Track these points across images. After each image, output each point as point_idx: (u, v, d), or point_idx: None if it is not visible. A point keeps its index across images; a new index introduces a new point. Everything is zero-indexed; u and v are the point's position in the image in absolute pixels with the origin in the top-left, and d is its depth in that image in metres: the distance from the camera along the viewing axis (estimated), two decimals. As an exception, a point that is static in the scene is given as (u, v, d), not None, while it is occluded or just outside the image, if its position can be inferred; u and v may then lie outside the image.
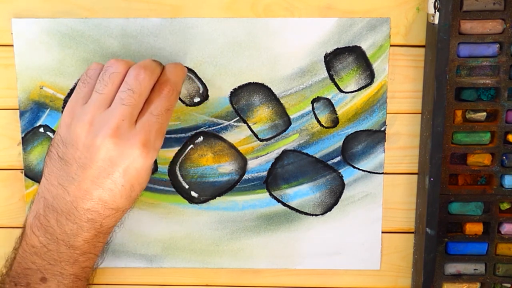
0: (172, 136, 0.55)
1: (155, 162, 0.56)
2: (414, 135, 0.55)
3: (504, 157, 0.53)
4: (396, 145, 0.55)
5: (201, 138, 0.55)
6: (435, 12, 0.49)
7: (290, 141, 0.55)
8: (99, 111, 0.47)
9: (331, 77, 0.54)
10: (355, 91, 0.54)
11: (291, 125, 0.55)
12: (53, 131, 0.55)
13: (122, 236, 0.56)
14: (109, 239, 0.52)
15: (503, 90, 0.52)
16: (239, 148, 0.55)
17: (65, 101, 0.55)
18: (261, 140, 0.55)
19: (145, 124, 0.47)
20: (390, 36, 0.53)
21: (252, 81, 0.54)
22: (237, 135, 0.55)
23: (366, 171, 0.56)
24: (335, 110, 0.55)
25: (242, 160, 0.56)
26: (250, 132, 0.55)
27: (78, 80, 0.54)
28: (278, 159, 0.56)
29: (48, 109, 0.55)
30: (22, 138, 0.55)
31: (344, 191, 0.56)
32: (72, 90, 0.54)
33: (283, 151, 0.56)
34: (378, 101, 0.54)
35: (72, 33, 0.53)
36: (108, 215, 0.48)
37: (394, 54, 0.53)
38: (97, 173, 0.46)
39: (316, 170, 0.56)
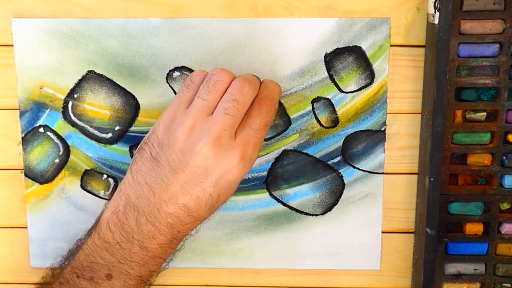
0: (172, 136, 0.55)
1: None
2: (414, 135, 0.55)
3: (504, 157, 0.53)
4: (396, 145, 0.55)
5: (201, 138, 0.55)
6: (435, 12, 0.49)
7: (290, 141, 0.55)
8: (201, 117, 0.47)
9: (331, 77, 0.54)
10: (355, 91, 0.54)
11: (291, 125, 0.55)
12: (53, 131, 0.55)
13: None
14: (179, 246, 0.52)
15: (503, 90, 0.52)
16: (239, 148, 0.55)
17: (65, 101, 0.55)
18: (261, 140, 0.55)
19: (245, 137, 0.47)
20: (390, 36, 0.53)
21: (252, 81, 0.54)
22: (237, 135, 0.55)
23: (366, 171, 0.56)
24: (335, 110, 0.55)
25: (242, 160, 0.56)
26: (250, 132, 0.55)
27: (78, 80, 0.54)
28: (278, 159, 0.56)
29: (48, 109, 0.55)
30: (22, 138, 0.55)
31: (344, 191, 0.56)
32: (72, 90, 0.54)
33: (283, 151, 0.56)
34: (378, 101, 0.54)
35: (72, 33, 0.53)
36: (188, 222, 0.48)
37: (394, 54, 0.53)
38: (189, 178, 0.46)
39: (316, 170, 0.56)
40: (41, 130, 0.55)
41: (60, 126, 0.55)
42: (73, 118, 0.55)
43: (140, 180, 0.48)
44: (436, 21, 0.49)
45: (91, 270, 0.48)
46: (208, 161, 0.46)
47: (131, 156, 0.56)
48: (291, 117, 0.55)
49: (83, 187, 0.56)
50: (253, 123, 0.47)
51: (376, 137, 0.55)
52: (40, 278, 0.53)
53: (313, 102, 0.55)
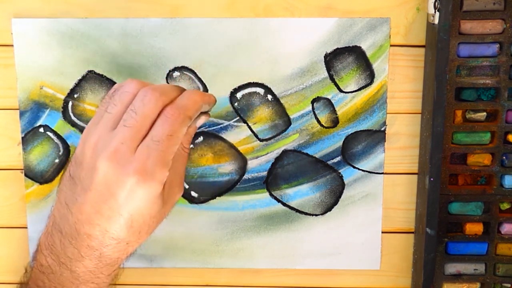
0: (172, 136, 0.55)
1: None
2: (414, 135, 0.55)
3: (504, 157, 0.53)
4: (396, 145, 0.55)
5: (201, 138, 0.55)
6: (435, 12, 0.49)
7: (290, 141, 0.55)
8: (105, 132, 0.44)
9: (331, 77, 0.54)
10: (355, 91, 0.54)
11: (291, 125, 0.55)
12: (53, 131, 0.55)
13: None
14: (114, 272, 0.47)
15: (503, 90, 0.52)
16: (239, 148, 0.55)
17: (65, 101, 0.55)
18: (261, 140, 0.55)
19: (143, 150, 0.43)
20: (390, 36, 0.53)
21: (252, 81, 0.54)
22: (237, 135, 0.55)
23: (366, 171, 0.56)
24: (335, 110, 0.55)
25: (242, 160, 0.56)
26: (250, 132, 0.55)
27: (78, 80, 0.54)
28: (278, 159, 0.56)
29: (48, 109, 0.55)
30: (22, 138, 0.55)
31: (344, 191, 0.56)
32: (72, 90, 0.54)
33: (283, 151, 0.56)
34: (378, 101, 0.54)
35: (72, 33, 0.53)
36: (109, 244, 0.44)
37: (394, 54, 0.53)
38: (96, 196, 0.43)
39: (316, 170, 0.56)
40: (41, 130, 0.55)
41: (60, 126, 0.55)
42: (73, 118, 0.55)
43: (62, 200, 0.45)
44: (436, 21, 0.49)
45: None
46: (108, 178, 0.42)
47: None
48: (291, 117, 0.55)
49: (83, 187, 0.56)
50: (154, 134, 0.43)
51: (376, 137, 0.55)
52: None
53: (313, 102, 0.55)
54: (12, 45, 0.54)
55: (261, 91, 0.54)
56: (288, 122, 0.55)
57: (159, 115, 0.44)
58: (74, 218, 0.44)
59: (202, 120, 0.47)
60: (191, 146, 0.55)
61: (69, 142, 0.55)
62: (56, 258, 0.46)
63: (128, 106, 0.44)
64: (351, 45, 0.53)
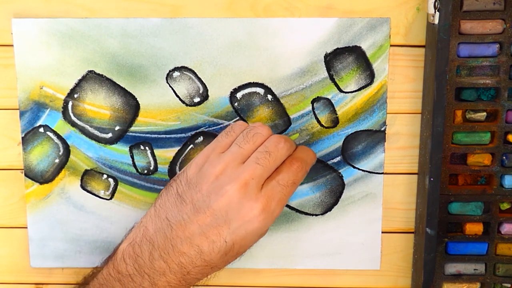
0: (172, 136, 0.55)
1: (155, 162, 0.56)
2: (414, 135, 0.55)
3: (504, 157, 0.53)
4: (396, 145, 0.55)
5: (201, 138, 0.55)
6: (435, 12, 0.49)
7: (290, 141, 0.55)
8: (233, 163, 0.47)
9: (331, 77, 0.54)
10: (355, 91, 0.54)
11: (291, 125, 0.55)
12: (53, 131, 0.55)
13: (122, 237, 0.56)
14: None
15: (503, 90, 0.52)
16: (239, 148, 0.55)
17: (65, 101, 0.55)
18: (261, 140, 0.55)
19: (270, 190, 0.47)
20: (390, 36, 0.53)
21: (252, 81, 0.54)
22: (237, 135, 0.55)
23: (366, 171, 0.56)
24: (335, 110, 0.55)
25: (242, 160, 0.56)
26: (250, 132, 0.55)
27: (78, 80, 0.54)
28: (278, 159, 0.56)
29: (48, 109, 0.55)
30: (22, 138, 0.55)
31: (344, 191, 0.56)
32: (72, 90, 0.54)
33: (283, 151, 0.55)
34: (378, 101, 0.54)
35: (72, 33, 0.53)
36: (199, 265, 0.47)
37: (394, 54, 0.53)
38: (208, 220, 0.46)
39: (316, 170, 0.56)
40: (41, 130, 0.55)
41: (60, 126, 0.55)
42: (73, 118, 0.55)
43: (161, 215, 0.48)
44: (436, 21, 0.49)
45: None
46: (230, 206, 0.46)
47: (131, 156, 0.56)
48: (291, 117, 0.55)
49: (83, 187, 0.56)
50: (281, 178, 0.48)
51: (376, 137, 0.55)
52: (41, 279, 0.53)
53: (313, 102, 0.55)
54: (12, 45, 0.54)
55: (261, 91, 0.54)
56: (288, 122, 0.55)
57: (283, 162, 0.49)
58: (173, 233, 0.47)
59: None
60: (191, 146, 0.55)
61: (69, 142, 0.55)
62: (139, 268, 0.47)
63: (258, 146, 0.49)
64: (351, 45, 0.53)
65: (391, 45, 0.53)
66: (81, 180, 0.56)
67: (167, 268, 0.47)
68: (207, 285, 0.58)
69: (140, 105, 0.55)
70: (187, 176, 0.49)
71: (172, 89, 0.54)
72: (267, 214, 0.47)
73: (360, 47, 0.53)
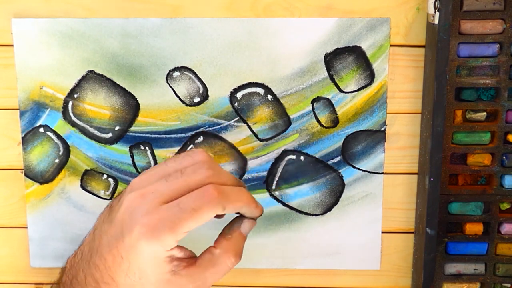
0: (172, 136, 0.55)
1: (155, 162, 0.56)
2: (414, 135, 0.55)
3: (504, 157, 0.53)
4: (396, 145, 0.55)
5: (201, 138, 0.55)
6: (435, 12, 0.49)
7: (290, 141, 0.55)
8: (150, 178, 0.44)
9: (331, 77, 0.54)
10: (355, 91, 0.54)
11: (291, 125, 0.55)
12: (53, 131, 0.55)
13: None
14: None
15: (503, 90, 0.52)
16: (239, 148, 0.55)
17: (65, 101, 0.55)
18: (261, 140, 0.55)
19: (164, 210, 0.42)
20: (390, 36, 0.53)
21: (252, 81, 0.54)
22: (237, 135, 0.55)
23: (366, 171, 0.56)
24: (335, 110, 0.55)
25: (242, 160, 0.56)
26: (250, 132, 0.55)
27: (78, 80, 0.54)
28: (278, 159, 0.56)
29: (48, 109, 0.55)
30: (22, 138, 0.55)
31: (344, 191, 0.56)
32: (72, 90, 0.54)
33: (283, 151, 0.56)
34: (378, 101, 0.54)
35: (72, 33, 0.53)
36: (107, 282, 0.44)
37: (394, 54, 0.53)
38: (112, 231, 0.43)
39: (316, 170, 0.56)
40: (41, 130, 0.55)
41: (60, 126, 0.55)
42: (73, 118, 0.55)
43: (95, 225, 0.46)
44: (436, 21, 0.49)
45: None
46: (125, 216, 0.42)
47: (131, 156, 0.56)
48: (291, 117, 0.55)
49: (83, 187, 0.56)
50: (183, 201, 0.42)
51: (376, 137, 0.55)
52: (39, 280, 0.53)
53: (313, 102, 0.55)
54: (12, 45, 0.54)
55: (261, 91, 0.54)
56: (288, 122, 0.55)
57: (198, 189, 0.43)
58: (95, 244, 0.45)
59: (247, 225, 0.46)
60: (191, 146, 0.55)
61: (69, 142, 0.55)
62: (70, 278, 0.46)
63: (184, 167, 0.44)
64: (351, 45, 0.53)
65: (391, 45, 0.53)
66: (81, 180, 0.56)
67: (84, 281, 0.45)
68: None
69: (140, 105, 0.55)
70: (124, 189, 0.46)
71: (172, 89, 0.54)
72: (154, 233, 0.41)
73: (360, 47, 0.53)
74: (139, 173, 0.56)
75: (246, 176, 0.56)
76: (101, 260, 0.44)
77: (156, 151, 0.55)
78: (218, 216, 0.45)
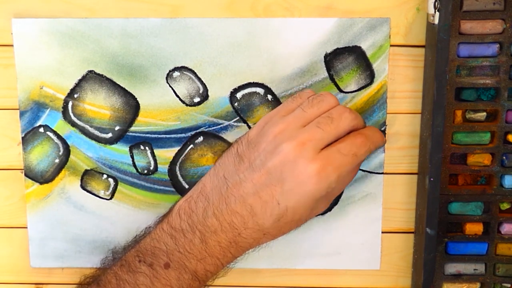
0: (172, 136, 0.55)
1: (155, 162, 0.56)
2: (414, 135, 0.55)
3: (504, 157, 0.53)
4: (396, 145, 0.55)
5: (201, 138, 0.55)
6: (435, 12, 0.49)
7: (290, 141, 0.55)
8: (294, 125, 0.47)
9: (331, 77, 0.54)
10: (355, 91, 0.54)
11: (291, 125, 0.55)
12: (53, 131, 0.55)
13: (122, 237, 0.56)
14: (239, 257, 0.50)
15: (503, 90, 0.52)
16: (239, 148, 0.55)
17: (65, 101, 0.55)
18: (261, 140, 0.55)
19: (329, 155, 0.46)
20: (390, 36, 0.53)
21: (252, 81, 0.54)
22: (237, 135, 0.55)
23: (366, 171, 0.56)
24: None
25: (242, 160, 0.56)
26: (250, 132, 0.55)
27: (78, 80, 0.54)
28: (278, 159, 0.56)
29: (48, 109, 0.55)
30: (22, 138, 0.55)
31: (344, 191, 0.56)
32: (72, 90, 0.54)
33: (283, 151, 0.55)
34: (378, 101, 0.54)
35: (72, 33, 0.53)
36: (251, 227, 0.47)
37: (394, 54, 0.53)
38: (262, 179, 0.46)
39: (316, 170, 0.56)
40: (41, 130, 0.55)
41: (60, 126, 0.55)
42: (73, 118, 0.55)
43: (219, 173, 0.48)
44: (436, 21, 0.49)
45: (153, 255, 0.48)
46: (284, 165, 0.45)
47: (131, 156, 0.56)
48: (291, 117, 0.55)
49: (83, 187, 0.56)
50: (342, 147, 0.46)
51: (376, 137, 0.55)
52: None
53: (313, 102, 0.55)
54: (12, 45, 0.54)
55: (261, 91, 0.54)
56: (288, 122, 0.55)
57: (346, 135, 0.47)
58: (228, 192, 0.47)
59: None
60: (191, 146, 0.55)
61: (69, 142, 0.55)
62: (192, 224, 0.47)
63: (322, 113, 0.47)
64: (351, 45, 0.53)
65: (391, 45, 0.53)
66: (81, 180, 0.56)
67: (218, 226, 0.47)
68: (207, 285, 0.58)
69: (140, 105, 0.55)
70: (248, 137, 0.49)
71: (172, 89, 0.54)
72: (322, 178, 0.45)
73: (360, 47, 0.53)
74: (139, 173, 0.56)
75: (246, 176, 0.56)
76: (244, 207, 0.46)
77: (156, 151, 0.55)
78: None
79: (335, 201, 0.56)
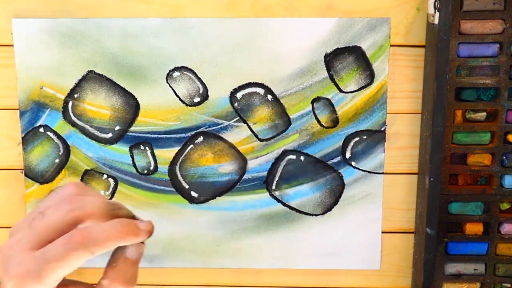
0: (172, 136, 0.55)
1: (155, 162, 0.56)
2: (414, 135, 0.55)
3: (504, 157, 0.53)
4: (396, 145, 0.55)
5: (201, 138, 0.55)
6: (435, 12, 0.49)
7: (290, 141, 0.55)
8: (22, 224, 0.41)
9: (331, 77, 0.54)
10: (355, 91, 0.54)
11: (291, 125, 0.55)
12: (53, 131, 0.55)
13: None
14: None
15: (503, 90, 0.51)
16: (239, 148, 0.55)
17: (65, 101, 0.55)
18: (261, 140, 0.55)
19: (30, 261, 0.39)
20: (390, 36, 0.53)
21: (252, 81, 0.54)
22: (237, 135, 0.55)
23: (366, 171, 0.56)
24: (335, 110, 0.55)
25: (242, 160, 0.56)
26: (250, 132, 0.55)
27: (78, 80, 0.54)
28: (278, 159, 0.56)
29: (48, 109, 0.55)
30: (22, 138, 0.55)
31: (344, 191, 0.56)
32: (72, 90, 0.54)
33: (283, 151, 0.55)
34: (378, 101, 0.54)
35: (72, 33, 0.53)
36: None
37: (394, 54, 0.53)
38: None
39: (316, 170, 0.56)
40: (41, 130, 0.55)
41: (60, 126, 0.55)
42: (73, 118, 0.55)
43: None
44: (436, 21, 0.49)
45: None
46: (0, 268, 0.40)
47: (131, 156, 0.56)
48: (291, 117, 0.55)
49: (83, 187, 0.56)
50: (48, 250, 0.39)
51: (376, 137, 0.55)
52: None
53: (313, 102, 0.55)
54: (12, 45, 0.54)
55: (261, 91, 0.54)
56: (288, 122, 0.55)
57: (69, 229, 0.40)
58: None
59: (131, 250, 0.42)
60: (191, 146, 0.55)
61: (69, 142, 0.55)
62: None
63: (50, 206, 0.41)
64: (351, 45, 0.53)
65: (391, 45, 0.53)
66: (81, 180, 0.56)
67: None
68: (207, 285, 0.58)
69: (140, 105, 0.55)
70: None
71: (172, 89, 0.54)
72: (20, 285, 0.39)
73: (360, 47, 0.53)
74: (139, 173, 0.56)
75: (246, 176, 0.56)
76: None
77: (156, 151, 0.55)
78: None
79: (335, 201, 0.56)
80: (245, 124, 0.55)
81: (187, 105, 0.55)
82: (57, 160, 0.56)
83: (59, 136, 0.55)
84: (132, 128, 0.55)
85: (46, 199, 0.41)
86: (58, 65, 0.54)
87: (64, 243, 0.39)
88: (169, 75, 0.54)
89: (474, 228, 0.54)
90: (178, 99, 0.54)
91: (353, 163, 0.55)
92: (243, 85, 0.54)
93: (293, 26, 0.53)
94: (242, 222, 0.57)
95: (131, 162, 0.56)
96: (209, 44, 0.53)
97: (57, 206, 0.40)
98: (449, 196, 0.53)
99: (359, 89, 0.54)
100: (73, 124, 0.55)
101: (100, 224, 0.40)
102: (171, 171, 0.56)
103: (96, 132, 0.55)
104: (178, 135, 0.55)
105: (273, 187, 0.56)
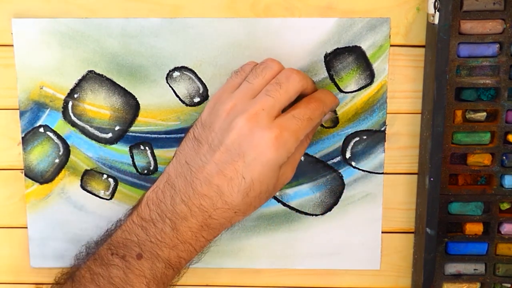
0: (172, 136, 0.55)
1: (155, 162, 0.56)
2: (414, 135, 0.55)
3: (504, 157, 0.53)
4: (396, 145, 0.55)
5: (201, 138, 0.55)
6: (435, 12, 0.49)
7: (290, 141, 0.55)
8: (244, 99, 0.47)
9: (331, 77, 0.54)
10: (355, 91, 0.54)
11: (291, 125, 0.55)
12: (53, 131, 0.55)
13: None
14: (214, 238, 0.50)
15: (503, 90, 0.52)
16: (239, 148, 0.55)
17: (65, 101, 0.55)
18: (261, 140, 0.55)
19: (284, 121, 0.46)
20: (390, 36, 0.53)
21: (252, 81, 0.54)
22: (237, 135, 0.55)
23: (366, 171, 0.56)
24: (335, 110, 0.55)
25: (242, 160, 0.56)
26: (250, 132, 0.55)
27: (78, 80, 0.54)
28: (278, 159, 0.56)
29: (48, 109, 0.55)
30: (22, 138, 0.55)
31: (344, 191, 0.56)
32: (72, 90, 0.54)
33: (283, 151, 0.55)
34: (378, 101, 0.54)
35: (72, 33, 0.53)
36: (220, 207, 0.47)
37: (394, 54, 0.53)
38: (223, 157, 0.46)
39: (316, 170, 0.56)
40: (41, 130, 0.55)
41: (60, 126, 0.55)
42: (73, 118, 0.55)
43: (181, 160, 0.48)
44: (436, 21, 0.49)
45: (125, 247, 0.48)
46: (242, 138, 0.45)
47: (131, 156, 0.56)
48: (291, 117, 0.55)
49: (83, 187, 0.56)
50: (296, 112, 0.47)
51: (376, 137, 0.55)
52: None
53: (313, 102, 0.55)
54: (12, 45, 0.54)
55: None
56: (288, 122, 0.55)
57: (297, 99, 0.48)
58: (193, 176, 0.47)
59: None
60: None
61: (69, 142, 0.55)
62: (162, 213, 0.48)
63: (269, 81, 0.48)
64: (351, 45, 0.53)
65: (391, 45, 0.53)
66: (81, 180, 0.56)
67: (188, 212, 0.47)
68: (207, 285, 0.58)
69: (140, 105, 0.55)
70: (201, 119, 0.49)
71: (172, 89, 0.54)
72: (280, 144, 0.45)
73: (360, 47, 0.53)
74: (139, 173, 0.56)
75: (246, 176, 0.56)
76: (211, 188, 0.46)
77: (156, 151, 0.55)
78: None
79: (335, 201, 0.56)
80: (245, 124, 0.55)
81: (187, 105, 0.55)
82: (57, 160, 0.56)
83: (59, 136, 0.55)
84: (132, 128, 0.55)
85: (260, 74, 0.48)
86: (58, 65, 0.54)
87: (308, 107, 0.48)
88: (169, 75, 0.54)
89: (474, 228, 0.54)
90: (178, 99, 0.54)
91: (353, 163, 0.55)
92: (243, 85, 0.54)
93: (293, 26, 0.53)
94: (242, 222, 0.57)
95: (131, 162, 0.56)
96: (209, 44, 0.53)
97: (286, 76, 0.47)
98: (449, 196, 0.53)
99: (359, 89, 0.54)
100: (73, 124, 0.55)
101: (321, 92, 0.50)
102: (171, 171, 0.56)
103: (96, 132, 0.55)
104: (178, 135, 0.55)
105: (273, 187, 0.56)
